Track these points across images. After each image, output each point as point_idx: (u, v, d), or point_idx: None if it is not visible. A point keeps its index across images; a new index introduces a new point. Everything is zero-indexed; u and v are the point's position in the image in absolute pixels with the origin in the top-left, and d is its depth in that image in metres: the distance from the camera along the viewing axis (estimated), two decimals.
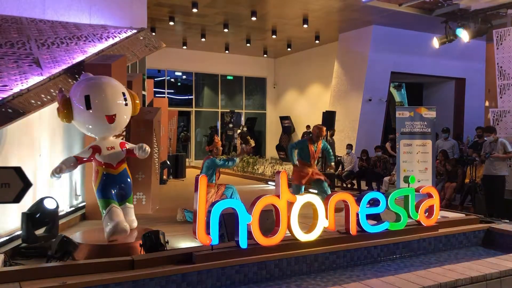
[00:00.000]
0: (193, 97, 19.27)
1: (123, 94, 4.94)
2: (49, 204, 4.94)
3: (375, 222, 5.37)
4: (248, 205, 4.51)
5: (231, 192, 6.61)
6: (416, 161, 8.19)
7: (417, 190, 5.63)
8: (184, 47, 17.45)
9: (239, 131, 19.32)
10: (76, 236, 4.98)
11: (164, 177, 11.40)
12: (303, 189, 7.56)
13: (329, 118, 11.98)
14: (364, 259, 5.16)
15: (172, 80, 19.20)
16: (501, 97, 9.49)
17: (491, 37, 10.45)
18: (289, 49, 17.88)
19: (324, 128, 7.72)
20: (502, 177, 7.97)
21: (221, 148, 6.77)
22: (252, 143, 19.29)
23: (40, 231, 5.16)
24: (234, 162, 6.62)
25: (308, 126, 16.40)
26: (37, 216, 4.92)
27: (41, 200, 4.97)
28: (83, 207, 6.98)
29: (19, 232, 5.08)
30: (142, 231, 4.89)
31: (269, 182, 11.54)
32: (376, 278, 4.31)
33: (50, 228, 5.12)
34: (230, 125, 19.33)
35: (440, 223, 5.81)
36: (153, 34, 13.36)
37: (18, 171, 3.90)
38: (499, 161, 7.88)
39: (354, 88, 14.82)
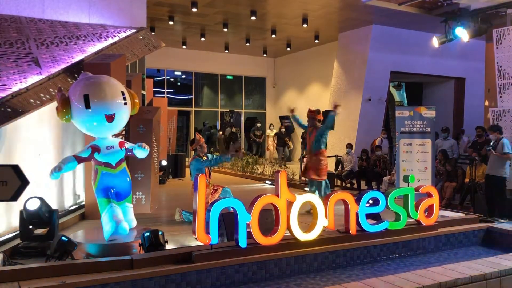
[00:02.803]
0: (192, 96, 19.25)
1: (122, 93, 4.93)
2: (30, 205, 4.89)
3: (375, 221, 5.37)
4: (248, 205, 4.51)
5: (227, 196, 6.56)
6: (415, 160, 8.19)
7: (416, 189, 5.63)
8: (184, 47, 17.43)
9: (273, 132, 18.10)
10: (75, 235, 4.98)
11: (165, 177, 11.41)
12: (312, 184, 7.39)
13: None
14: (363, 259, 5.16)
15: (172, 79, 19.18)
16: (500, 97, 9.47)
17: (490, 36, 10.43)
18: (288, 48, 17.87)
19: (313, 110, 7.57)
20: (504, 178, 7.95)
21: (205, 145, 6.69)
22: (291, 145, 18.50)
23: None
24: (221, 160, 6.49)
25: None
26: (25, 216, 4.89)
27: (26, 201, 4.93)
28: (82, 206, 6.97)
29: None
30: (141, 231, 4.89)
31: (267, 181, 11.53)
32: (376, 278, 4.31)
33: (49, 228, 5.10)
34: (258, 125, 18.36)
35: (439, 222, 5.82)
36: (153, 33, 13.31)
37: (16, 169, 3.90)
38: (499, 162, 7.87)
39: (354, 87, 14.81)
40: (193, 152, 6.69)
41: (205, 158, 6.57)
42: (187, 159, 15.20)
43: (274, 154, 17.77)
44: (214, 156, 6.71)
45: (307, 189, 7.51)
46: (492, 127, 8.32)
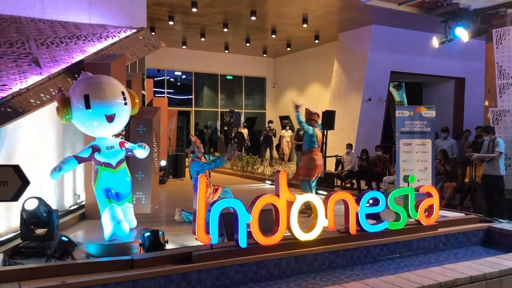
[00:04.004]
0: (192, 96, 19.25)
1: (123, 93, 4.94)
2: (28, 205, 4.89)
3: (375, 221, 5.37)
4: (248, 205, 4.51)
5: (227, 196, 6.57)
6: (415, 160, 8.19)
7: (416, 189, 5.63)
8: (184, 47, 17.44)
9: (289, 132, 16.86)
10: (75, 235, 4.98)
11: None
12: (313, 185, 7.22)
13: (328, 117, 11.97)
14: (363, 259, 5.16)
15: (172, 79, 19.19)
16: (500, 97, 9.48)
17: (490, 36, 10.44)
18: (288, 48, 17.87)
19: (309, 111, 7.37)
20: (501, 177, 8.00)
21: (202, 145, 6.65)
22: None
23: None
24: (220, 163, 6.42)
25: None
26: (24, 216, 4.89)
27: (24, 201, 4.93)
28: (82, 206, 6.98)
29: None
30: (141, 231, 4.89)
31: (267, 182, 11.54)
32: (376, 278, 4.31)
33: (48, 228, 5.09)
34: (270, 125, 17.57)
35: (439, 222, 5.81)
36: (153, 33, 13.33)
37: (16, 169, 3.89)
38: (494, 161, 7.93)
39: (354, 87, 14.81)
40: (191, 154, 6.64)
41: (203, 158, 6.57)
42: (187, 159, 15.19)
43: (287, 156, 16.71)
44: (211, 157, 6.68)
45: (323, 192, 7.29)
46: (486, 128, 8.39)
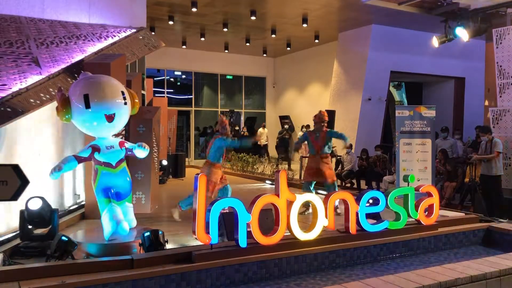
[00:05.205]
0: (192, 96, 19.25)
1: (122, 93, 4.94)
2: (32, 205, 4.89)
3: (375, 221, 5.37)
4: (248, 204, 4.51)
5: (225, 194, 6.62)
6: (415, 160, 8.19)
7: (416, 189, 5.63)
8: (184, 47, 17.43)
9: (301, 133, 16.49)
10: (75, 235, 4.98)
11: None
12: (311, 186, 7.40)
13: (328, 117, 11.94)
14: (363, 258, 5.16)
15: (172, 79, 19.18)
16: (500, 96, 9.48)
17: (490, 36, 10.44)
18: (288, 48, 17.87)
19: (322, 112, 7.67)
20: (498, 177, 8.01)
21: (228, 127, 6.78)
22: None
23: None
24: (243, 143, 6.72)
25: (306, 126, 15.79)
26: (26, 215, 4.89)
27: (27, 200, 4.93)
28: (82, 206, 6.97)
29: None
30: (141, 230, 4.89)
31: (267, 181, 11.53)
32: (376, 277, 4.31)
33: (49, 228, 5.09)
34: (286, 126, 17.31)
35: (439, 222, 5.81)
36: (153, 33, 13.32)
37: (16, 168, 3.89)
38: (492, 160, 7.94)
39: (354, 87, 14.81)
40: (216, 132, 6.88)
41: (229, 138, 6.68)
42: (187, 159, 15.19)
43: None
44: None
45: (323, 192, 7.44)
46: (484, 129, 8.40)
